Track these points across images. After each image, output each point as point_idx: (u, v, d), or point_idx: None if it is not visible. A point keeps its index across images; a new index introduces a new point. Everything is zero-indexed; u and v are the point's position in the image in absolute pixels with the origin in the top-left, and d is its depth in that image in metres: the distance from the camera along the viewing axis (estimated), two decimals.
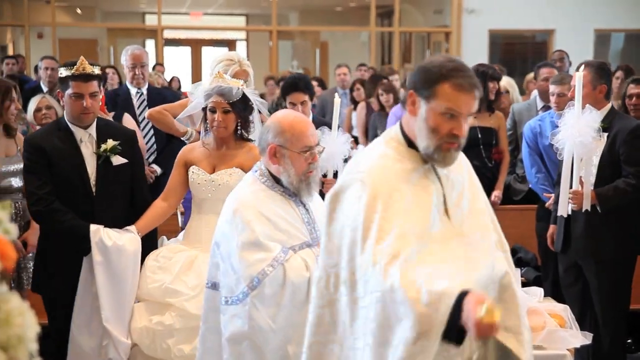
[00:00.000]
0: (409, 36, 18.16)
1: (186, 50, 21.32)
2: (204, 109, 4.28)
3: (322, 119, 5.56)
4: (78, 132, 4.22)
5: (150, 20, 18.77)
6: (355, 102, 9.84)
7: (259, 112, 4.55)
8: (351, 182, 2.57)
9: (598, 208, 4.77)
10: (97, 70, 4.21)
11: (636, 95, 5.65)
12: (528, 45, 16.87)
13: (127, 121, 5.70)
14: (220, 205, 4.14)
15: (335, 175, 5.04)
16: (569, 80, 5.88)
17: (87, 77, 4.12)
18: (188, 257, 4.19)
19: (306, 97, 5.20)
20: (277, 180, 3.37)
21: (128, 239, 4.17)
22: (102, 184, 4.23)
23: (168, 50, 19.56)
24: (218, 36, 21.84)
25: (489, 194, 5.15)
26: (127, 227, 4.23)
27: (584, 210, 4.79)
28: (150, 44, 18.17)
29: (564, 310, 3.77)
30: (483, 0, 15.14)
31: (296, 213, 3.36)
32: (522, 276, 5.87)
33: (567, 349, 3.58)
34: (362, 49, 17.57)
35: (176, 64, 20.49)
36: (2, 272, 1.61)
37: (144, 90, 6.40)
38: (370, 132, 8.90)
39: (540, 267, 5.94)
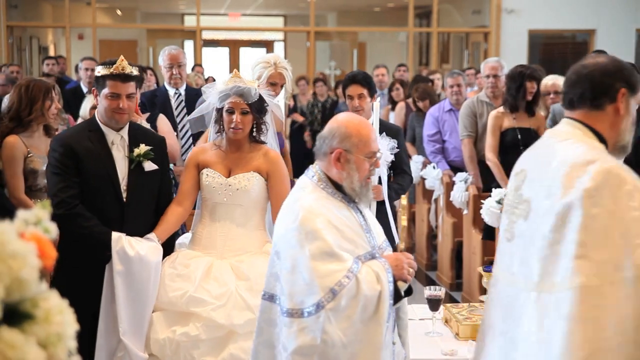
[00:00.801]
0: (447, 36, 18.07)
1: (224, 51, 21.43)
2: (219, 110, 4.17)
3: (381, 119, 5.45)
4: (110, 134, 4.07)
5: (189, 22, 18.90)
6: (393, 102, 9.81)
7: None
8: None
9: None
10: (135, 72, 4.07)
11: None
12: (568, 45, 16.69)
13: (162, 122, 5.72)
14: (236, 210, 4.13)
15: (380, 181, 5.00)
16: None
17: (125, 78, 3.99)
18: (206, 264, 4.02)
19: (364, 91, 5.14)
20: (337, 186, 3.22)
21: (150, 248, 3.96)
22: (134, 189, 4.05)
23: (206, 51, 19.68)
24: (256, 37, 21.92)
25: None
26: (148, 236, 4.03)
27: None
28: (188, 45, 18.30)
29: None
30: (522, 0, 15.01)
31: (356, 221, 3.21)
32: None
33: None
34: (399, 49, 17.53)
35: (214, 64, 20.62)
36: (41, 270, 1.62)
37: (182, 90, 6.43)
38: (409, 132, 8.87)
39: None
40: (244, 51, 21.66)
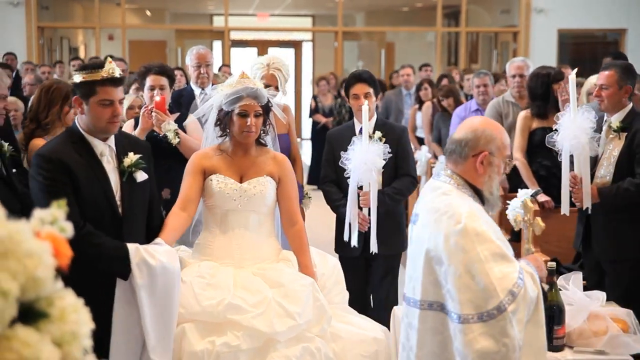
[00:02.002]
0: (475, 36, 17.99)
1: (253, 52, 21.49)
2: (226, 112, 3.96)
3: (385, 121, 5.45)
4: (99, 145, 3.63)
5: (218, 22, 18.99)
6: (421, 102, 9.80)
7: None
8: None
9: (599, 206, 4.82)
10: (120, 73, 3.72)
11: None
12: (598, 45, 16.54)
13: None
14: (250, 217, 3.97)
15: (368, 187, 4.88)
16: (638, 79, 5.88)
17: (117, 81, 3.58)
18: (231, 274, 3.83)
19: (370, 90, 5.04)
20: (474, 189, 3.14)
21: (168, 254, 3.62)
22: (129, 203, 3.67)
23: (235, 52, 19.75)
24: (284, 37, 21.97)
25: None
26: (156, 240, 3.70)
27: (584, 208, 4.89)
28: (217, 45, 18.38)
29: (627, 315, 3.69)
30: None
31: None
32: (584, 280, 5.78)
33: (630, 355, 3.50)
34: (428, 49, 17.48)
35: (243, 65, 20.66)
36: (56, 269, 1.64)
37: (208, 90, 6.45)
38: (434, 132, 8.85)
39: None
40: (272, 51, 21.68)
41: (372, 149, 4.73)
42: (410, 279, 3.24)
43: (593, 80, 7.35)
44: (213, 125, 4.09)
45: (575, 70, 5.25)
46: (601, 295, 3.74)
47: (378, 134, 4.98)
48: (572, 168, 4.94)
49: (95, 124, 3.59)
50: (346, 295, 4.25)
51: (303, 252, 4.08)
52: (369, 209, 4.86)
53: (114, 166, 3.67)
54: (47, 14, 15.92)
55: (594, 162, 4.98)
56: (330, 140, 5.22)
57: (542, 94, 6.33)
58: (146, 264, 3.49)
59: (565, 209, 4.96)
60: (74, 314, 1.68)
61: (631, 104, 4.98)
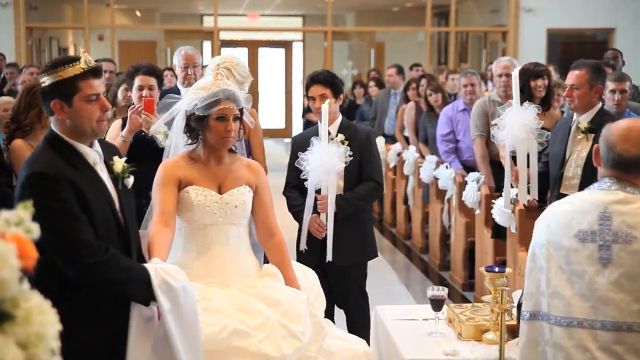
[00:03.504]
0: (465, 36, 18.01)
1: (243, 52, 21.48)
2: (203, 117, 3.65)
3: (350, 123, 5.14)
4: (90, 153, 3.16)
5: (208, 22, 18.97)
6: (408, 102, 9.81)
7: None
8: None
9: None
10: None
11: None
12: (588, 44, 16.58)
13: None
14: (230, 230, 3.68)
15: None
16: (628, 78, 5.94)
17: (99, 73, 3.13)
18: (225, 295, 3.56)
19: (326, 91, 4.83)
20: None
21: (181, 273, 3.24)
22: (129, 214, 3.28)
23: (225, 52, 19.73)
24: (275, 37, 21.97)
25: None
26: (154, 261, 3.30)
27: (521, 203, 5.13)
28: (207, 46, 18.38)
29: None
30: None
31: None
32: None
33: None
34: (418, 49, 17.50)
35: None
36: (22, 270, 1.64)
37: None
38: (421, 133, 8.86)
39: None
40: (262, 51, 21.72)
41: (330, 151, 4.61)
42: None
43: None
44: (181, 132, 3.76)
45: (518, 67, 5.41)
46: None
47: (341, 136, 4.83)
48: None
49: (83, 125, 3.10)
50: (324, 307, 3.99)
51: (286, 265, 3.83)
52: (327, 215, 4.71)
53: (107, 175, 3.23)
54: (35, 14, 15.88)
55: (561, 162, 5.01)
56: (294, 144, 5.02)
57: (521, 89, 6.35)
58: (168, 285, 3.10)
59: (506, 204, 5.15)
60: (39, 315, 1.67)
61: (600, 104, 5.03)
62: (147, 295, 3.07)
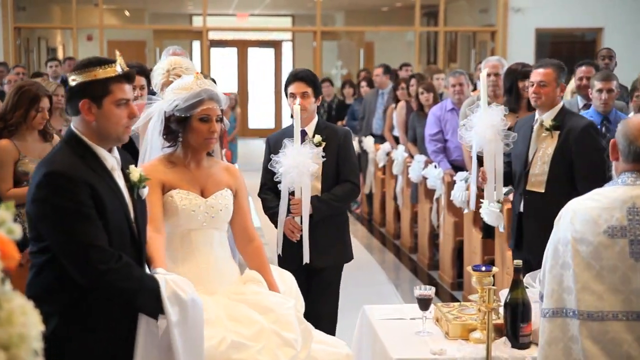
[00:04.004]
0: (454, 36, 18.04)
1: (233, 52, 21.48)
2: (185, 118, 3.52)
3: (328, 124, 5.02)
4: (108, 158, 3.05)
5: (197, 22, 18.95)
6: (397, 101, 9.82)
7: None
8: None
9: None
10: None
11: None
12: (576, 44, 16.64)
13: None
14: (214, 235, 3.59)
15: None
16: (614, 77, 5.97)
17: (131, 78, 3.08)
18: (218, 304, 3.45)
19: (308, 90, 4.74)
20: None
21: (189, 285, 3.13)
22: (142, 224, 3.18)
23: (215, 52, 19.71)
24: (264, 37, 21.96)
25: None
26: (158, 271, 3.16)
27: (489, 203, 5.26)
28: (196, 46, 18.34)
29: None
30: None
31: None
32: None
33: None
34: (408, 49, 17.52)
35: (223, 65, 20.68)
36: (3, 271, 1.64)
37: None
38: (409, 132, 8.86)
39: None
40: (252, 51, 21.71)
41: (304, 152, 4.52)
42: None
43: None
44: (159, 135, 3.63)
45: (487, 69, 5.55)
46: None
47: (318, 137, 4.75)
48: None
49: (109, 129, 3.00)
50: (303, 310, 3.87)
51: (266, 270, 3.75)
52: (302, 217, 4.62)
53: (123, 182, 3.11)
54: (23, 14, 15.83)
55: (525, 160, 5.04)
56: (269, 144, 4.88)
57: (509, 89, 6.38)
58: (178, 298, 2.99)
59: (472, 204, 5.24)
60: (22, 316, 1.67)
61: (562, 103, 5.08)
62: (156, 307, 2.97)
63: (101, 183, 2.96)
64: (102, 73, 2.96)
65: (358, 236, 10.01)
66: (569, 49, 16.25)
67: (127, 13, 19.70)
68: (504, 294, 3.68)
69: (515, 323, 3.54)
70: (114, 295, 2.96)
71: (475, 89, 9.37)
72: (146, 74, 5.37)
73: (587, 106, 6.49)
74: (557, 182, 4.94)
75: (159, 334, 3.03)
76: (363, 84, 11.67)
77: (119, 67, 2.99)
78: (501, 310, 3.65)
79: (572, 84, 7.46)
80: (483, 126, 5.02)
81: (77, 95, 2.96)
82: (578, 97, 6.75)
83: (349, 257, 4.95)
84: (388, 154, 9.79)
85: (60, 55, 17.56)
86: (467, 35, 17.87)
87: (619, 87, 6.44)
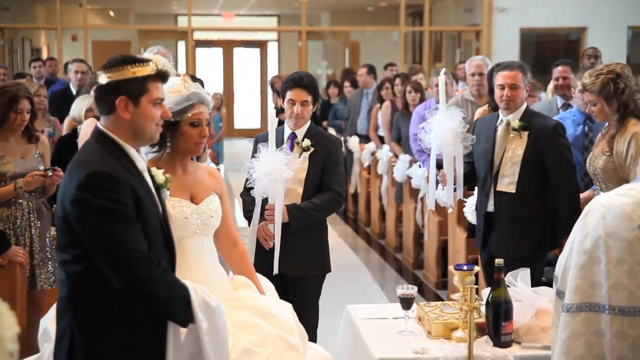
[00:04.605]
0: (439, 35, 18.08)
1: (218, 52, 21.45)
2: (175, 123, 3.41)
3: (319, 129, 4.86)
4: (139, 158, 2.98)
5: (183, 22, 18.92)
6: (382, 101, 9.83)
7: None
8: None
9: None
10: None
11: None
12: (560, 43, 16.70)
13: None
14: (204, 242, 3.48)
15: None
16: None
17: (167, 78, 3.02)
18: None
19: (309, 98, 4.62)
20: None
21: (210, 292, 3.06)
22: (169, 226, 3.08)
23: (200, 52, 19.69)
24: (250, 37, 21.94)
25: None
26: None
27: (448, 206, 5.40)
28: (182, 46, 18.31)
29: None
30: None
31: None
32: (543, 276, 5.83)
33: None
34: (393, 48, 17.54)
35: (208, 65, 20.66)
36: None
37: None
38: (394, 131, 8.88)
39: None
40: (237, 51, 21.70)
41: (278, 158, 4.38)
42: None
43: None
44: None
45: (443, 70, 5.61)
46: (549, 291, 3.77)
47: (307, 142, 4.65)
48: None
49: (145, 128, 2.92)
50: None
51: (252, 276, 3.67)
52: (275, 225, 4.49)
53: (152, 184, 3.04)
54: (7, 14, 15.76)
55: (490, 161, 5.07)
56: (257, 144, 4.66)
57: (491, 89, 6.38)
58: (207, 305, 2.91)
59: (431, 204, 5.35)
60: None
61: (525, 103, 5.11)
62: (187, 315, 2.88)
63: (138, 184, 2.88)
64: (139, 71, 2.89)
65: (343, 236, 10.02)
66: (553, 49, 16.31)
67: (111, 13, 19.65)
68: (486, 292, 3.69)
69: (497, 322, 3.55)
70: (150, 302, 2.84)
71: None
72: None
73: (565, 106, 6.50)
74: (527, 182, 4.97)
75: (187, 344, 2.96)
76: (346, 84, 11.68)
77: (154, 65, 2.93)
78: (483, 309, 3.65)
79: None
80: (442, 129, 5.04)
81: (112, 92, 2.88)
82: (557, 97, 6.76)
83: (326, 268, 4.76)
84: (373, 153, 9.80)
85: (44, 55, 17.49)
86: (452, 34, 17.91)
87: None
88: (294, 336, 3.38)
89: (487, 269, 5.20)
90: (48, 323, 3.41)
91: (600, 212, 3.05)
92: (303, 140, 4.67)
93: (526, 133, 4.98)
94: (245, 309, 3.39)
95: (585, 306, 3.02)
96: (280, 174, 4.37)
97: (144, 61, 2.91)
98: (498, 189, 5.06)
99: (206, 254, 3.48)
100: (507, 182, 5.02)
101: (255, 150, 4.63)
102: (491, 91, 6.47)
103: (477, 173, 5.25)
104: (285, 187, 4.47)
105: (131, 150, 2.92)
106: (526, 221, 5.00)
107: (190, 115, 3.44)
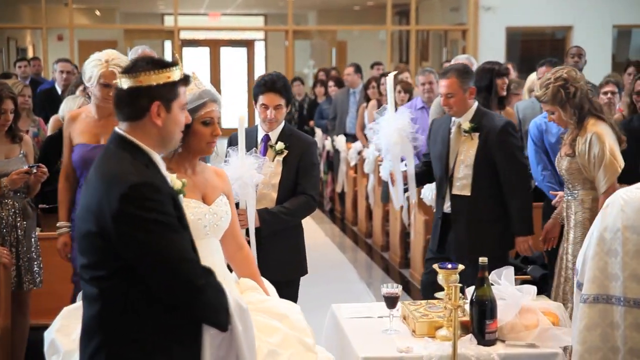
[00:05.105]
0: (426, 34, 18.11)
1: (205, 51, 21.41)
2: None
3: (293, 131, 4.79)
4: (163, 166, 2.83)
5: (169, 22, 18.89)
6: (369, 100, 9.84)
7: None
8: None
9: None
10: None
11: None
12: (546, 42, 16.77)
13: None
14: (214, 244, 3.40)
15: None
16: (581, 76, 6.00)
17: (190, 81, 2.91)
18: None
19: (282, 102, 4.52)
20: None
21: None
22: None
23: (187, 51, 19.66)
24: (237, 36, 21.92)
25: None
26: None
27: (397, 208, 5.52)
28: (168, 45, 18.27)
29: (557, 308, 3.75)
30: None
31: None
32: (528, 274, 5.87)
33: (560, 347, 3.56)
34: (380, 47, 17.56)
35: (195, 64, 20.62)
36: None
37: None
38: None
39: (547, 265, 5.91)
40: (224, 51, 21.67)
41: (248, 163, 4.31)
42: None
43: (533, 77, 7.47)
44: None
45: (393, 72, 5.57)
46: (532, 289, 3.80)
47: (281, 144, 4.56)
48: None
49: (174, 134, 2.78)
50: None
51: (258, 278, 3.60)
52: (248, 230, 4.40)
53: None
54: None
55: (446, 163, 5.09)
56: (230, 145, 4.60)
57: (486, 87, 6.40)
58: (240, 307, 2.82)
59: (397, 204, 5.32)
60: None
61: (476, 103, 5.11)
62: (226, 320, 2.74)
63: (173, 192, 2.74)
64: (172, 75, 2.72)
65: (330, 235, 10.04)
66: (539, 47, 16.37)
67: (97, 13, 19.58)
68: (470, 291, 3.70)
69: (481, 320, 3.57)
70: (203, 312, 2.70)
71: None
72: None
73: None
74: (482, 183, 5.00)
75: (222, 348, 2.85)
76: (331, 83, 11.68)
77: (182, 70, 2.79)
78: (467, 307, 3.67)
79: (529, 82, 7.52)
80: (390, 129, 5.04)
81: (144, 97, 2.69)
82: None
83: (302, 271, 4.67)
84: (359, 152, 9.81)
85: (30, 55, 17.41)
86: (438, 33, 17.94)
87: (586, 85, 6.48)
88: (309, 337, 3.34)
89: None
90: (55, 334, 3.28)
91: (620, 205, 3.10)
92: (277, 143, 4.57)
93: (477, 134, 4.99)
94: (259, 311, 3.31)
95: (601, 297, 3.08)
96: (250, 178, 4.29)
97: (172, 64, 2.74)
98: (453, 192, 5.07)
99: (215, 256, 3.40)
100: (462, 185, 5.03)
101: (226, 154, 4.51)
102: (484, 89, 6.51)
103: (434, 174, 5.26)
104: (257, 192, 4.39)
105: (157, 157, 2.75)
106: (483, 222, 5.02)
107: (202, 113, 3.36)
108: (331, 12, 19.88)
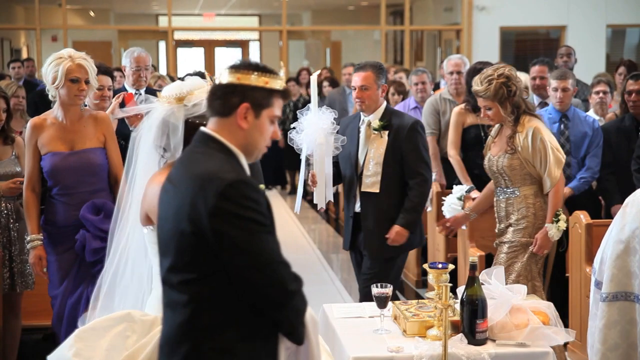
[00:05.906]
0: (420, 34, 18.12)
1: (199, 52, 21.41)
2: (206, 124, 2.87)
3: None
4: (248, 171, 2.75)
5: (163, 22, 18.87)
6: None
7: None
8: None
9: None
10: None
11: (635, 91, 5.81)
12: (540, 41, 16.79)
13: None
14: None
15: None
16: (570, 76, 6.01)
17: (289, 96, 2.79)
18: None
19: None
20: None
21: None
22: None
23: (181, 52, 19.65)
24: (231, 37, 21.93)
25: None
26: None
27: (319, 208, 5.43)
28: (162, 46, 18.27)
29: (548, 308, 3.75)
30: None
31: None
32: None
33: (550, 346, 3.57)
34: (374, 47, 17.57)
35: (189, 65, 20.60)
36: None
37: (142, 91, 6.45)
38: None
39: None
40: (219, 51, 21.66)
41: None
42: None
43: (524, 76, 7.49)
44: (155, 145, 3.30)
45: (317, 72, 5.74)
46: (522, 288, 3.81)
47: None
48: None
49: (257, 143, 2.66)
50: None
51: None
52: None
53: None
54: None
55: (355, 162, 5.12)
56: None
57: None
58: (312, 317, 2.73)
59: (321, 203, 5.21)
60: None
61: (385, 102, 5.14)
62: (303, 332, 2.63)
63: (265, 193, 2.60)
64: (271, 82, 2.64)
65: (325, 235, 10.04)
66: (533, 47, 16.40)
67: (91, 13, 19.56)
68: (461, 290, 3.71)
69: (471, 320, 3.57)
70: (293, 319, 2.57)
71: (437, 87, 9.44)
72: (111, 74, 5.45)
73: (542, 104, 6.55)
74: (390, 181, 5.03)
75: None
76: (325, 83, 11.69)
77: (283, 81, 2.70)
78: (457, 307, 3.68)
79: (523, 81, 7.54)
80: (313, 129, 5.05)
81: (237, 95, 2.61)
82: (534, 95, 6.81)
83: None
84: None
85: (24, 56, 17.39)
86: (432, 33, 17.96)
87: (577, 84, 6.50)
88: (323, 342, 3.30)
89: (358, 269, 5.32)
90: (67, 352, 3.13)
91: (638, 205, 3.11)
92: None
93: (387, 132, 5.03)
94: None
95: (620, 295, 3.12)
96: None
97: (275, 73, 2.66)
98: (362, 189, 5.09)
99: None
100: (371, 182, 5.06)
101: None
102: (469, 90, 6.52)
103: (342, 173, 5.28)
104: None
105: (243, 159, 2.64)
106: (390, 220, 5.04)
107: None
108: (325, 12, 19.90)
